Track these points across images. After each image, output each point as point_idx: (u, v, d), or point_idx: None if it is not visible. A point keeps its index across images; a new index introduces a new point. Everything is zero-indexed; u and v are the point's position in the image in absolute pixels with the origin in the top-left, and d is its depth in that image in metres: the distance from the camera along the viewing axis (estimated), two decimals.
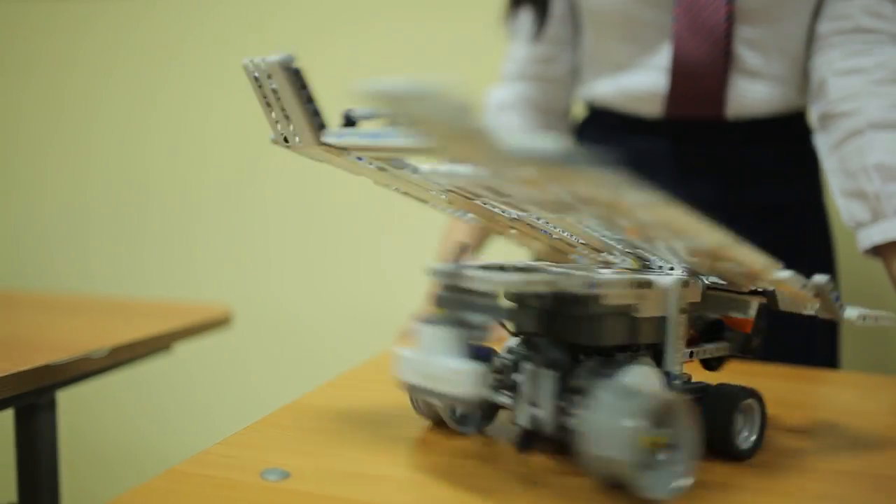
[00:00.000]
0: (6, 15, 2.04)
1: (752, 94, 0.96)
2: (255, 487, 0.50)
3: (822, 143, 0.95)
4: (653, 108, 0.99)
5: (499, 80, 1.13)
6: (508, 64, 1.11)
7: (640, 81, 0.99)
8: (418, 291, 1.70)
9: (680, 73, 0.95)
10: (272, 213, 1.89)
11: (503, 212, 0.58)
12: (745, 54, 0.94)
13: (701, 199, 0.99)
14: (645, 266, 0.61)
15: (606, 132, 1.06)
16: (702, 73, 0.94)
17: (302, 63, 0.53)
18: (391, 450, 0.58)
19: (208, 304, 1.11)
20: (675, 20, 0.94)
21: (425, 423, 0.62)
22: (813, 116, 0.97)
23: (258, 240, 1.90)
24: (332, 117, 0.56)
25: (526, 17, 1.05)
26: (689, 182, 1.00)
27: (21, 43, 2.04)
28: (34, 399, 0.84)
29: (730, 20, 0.92)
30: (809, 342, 1.01)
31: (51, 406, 0.87)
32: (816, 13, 0.95)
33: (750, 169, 1.00)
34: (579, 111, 1.14)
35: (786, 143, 1.01)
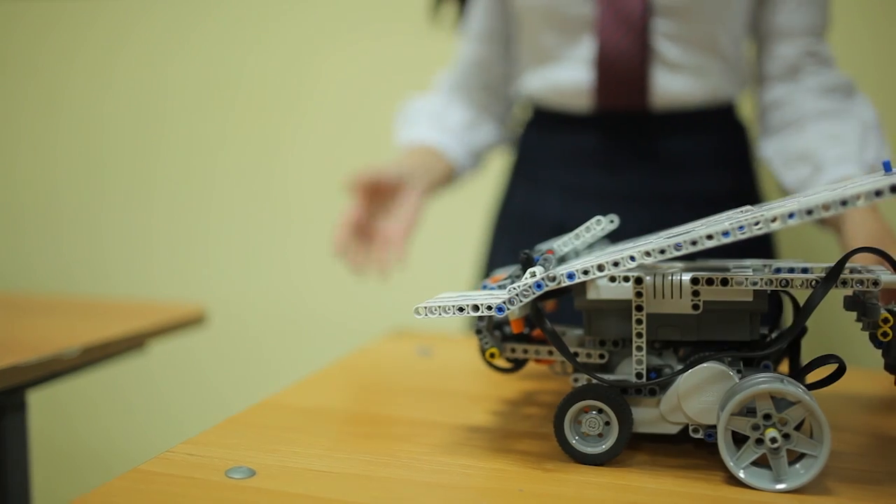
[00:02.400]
0: (7, 14, 2.02)
1: (674, 85, 0.98)
2: (220, 486, 0.50)
3: (762, 133, 1.00)
4: (581, 102, 1.01)
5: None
6: (456, 49, 1.16)
7: (567, 75, 1.01)
8: (389, 295, 1.71)
9: (604, 64, 0.98)
10: (249, 214, 1.88)
11: None
12: (665, 47, 0.97)
13: (631, 191, 1.03)
14: None
15: (542, 129, 1.09)
16: (624, 64, 0.97)
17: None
18: (356, 448, 0.58)
19: (183, 303, 1.10)
20: (598, 12, 0.96)
21: (390, 421, 0.62)
22: (755, 112, 1.02)
23: (233, 240, 1.89)
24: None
25: (450, 10, 1.11)
26: (619, 174, 1.03)
27: (23, 42, 2.03)
28: (4, 399, 0.84)
29: (646, 13, 0.95)
30: None
31: (21, 406, 0.87)
32: (746, 19, 0.99)
33: (678, 159, 1.02)
34: (519, 112, 1.17)
35: (715, 133, 1.03)
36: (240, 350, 1.89)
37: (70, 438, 2.02)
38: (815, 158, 0.90)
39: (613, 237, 0.99)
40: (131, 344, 0.95)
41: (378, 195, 0.98)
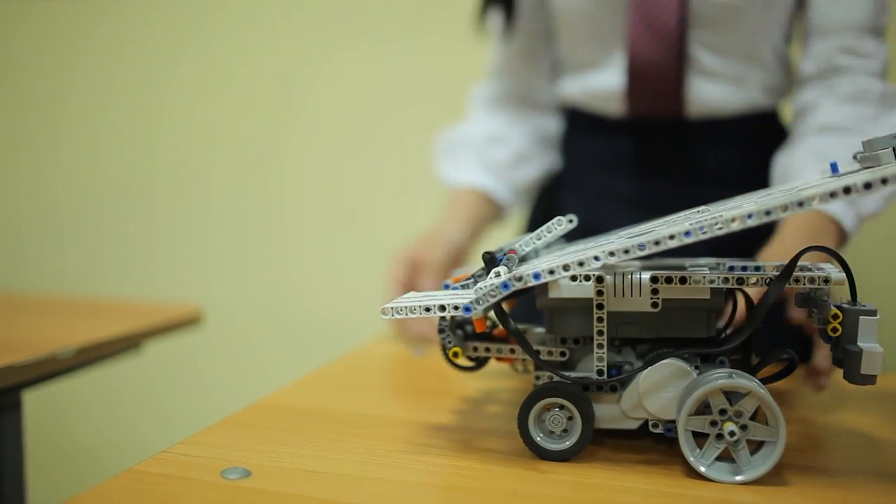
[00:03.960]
0: (11, 15, 2.02)
1: (711, 94, 0.97)
2: (215, 486, 0.50)
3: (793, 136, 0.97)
4: (615, 107, 1.01)
5: (484, 77, 1.15)
6: (492, 59, 1.13)
7: (601, 80, 1.00)
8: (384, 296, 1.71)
9: (635, 71, 0.97)
10: (246, 215, 1.88)
11: None
12: (703, 56, 0.96)
13: (662, 197, 1.02)
14: None
15: (577, 134, 1.08)
16: (656, 71, 0.96)
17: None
18: (351, 449, 0.58)
19: (179, 304, 1.10)
20: (629, 21, 0.95)
21: (385, 422, 0.63)
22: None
23: (230, 241, 1.89)
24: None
25: (496, 16, 1.07)
26: (650, 180, 1.02)
27: (23, 45, 2.03)
28: (1, 399, 0.84)
29: (683, 23, 0.93)
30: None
31: (16, 406, 0.87)
32: (785, 28, 0.97)
33: (712, 168, 1.01)
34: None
35: (752, 142, 1.02)
36: (235, 350, 1.89)
37: (66, 438, 2.02)
38: (794, 171, 0.88)
39: None
40: (127, 344, 0.95)
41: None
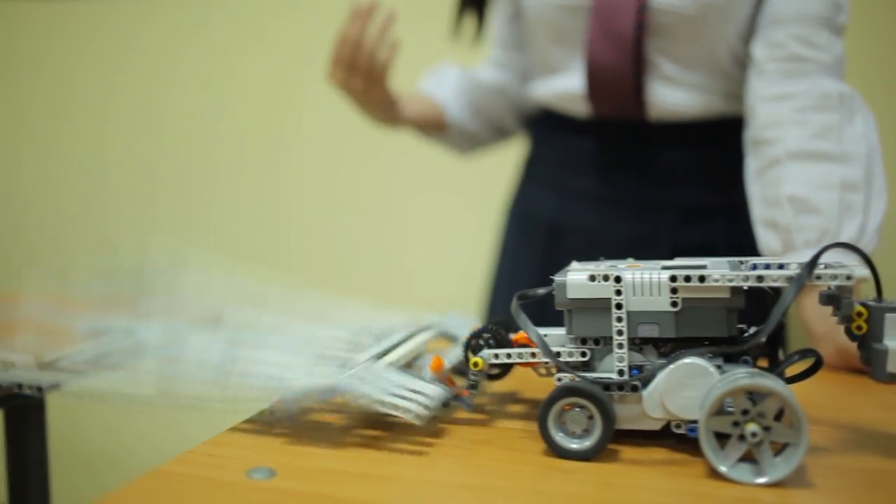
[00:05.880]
0: (11, 17, 2.03)
1: (670, 99, 0.99)
2: (241, 486, 0.51)
3: (749, 167, 0.96)
4: (580, 108, 1.04)
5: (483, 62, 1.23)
6: (490, 50, 1.20)
7: (565, 83, 1.04)
8: (410, 295, 1.71)
9: (593, 75, 0.99)
10: (252, 216, 1.89)
11: None
12: (661, 62, 0.98)
13: (623, 197, 1.04)
14: None
15: (547, 131, 1.12)
16: (613, 76, 0.98)
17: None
18: (376, 448, 0.58)
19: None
20: (589, 26, 0.98)
21: (411, 421, 0.63)
22: (744, 139, 0.98)
23: (253, 238, 1.90)
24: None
25: (470, 21, 1.15)
26: (614, 179, 1.04)
27: (27, 45, 2.04)
28: (22, 400, 0.84)
29: (640, 30, 0.95)
30: None
31: (40, 406, 0.87)
32: (745, 35, 0.97)
33: (672, 170, 1.03)
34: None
35: (712, 146, 1.03)
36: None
37: (89, 439, 2.03)
38: (788, 234, 0.88)
39: (603, 242, 1.01)
40: None
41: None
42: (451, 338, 0.77)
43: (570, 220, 1.07)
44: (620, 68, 0.97)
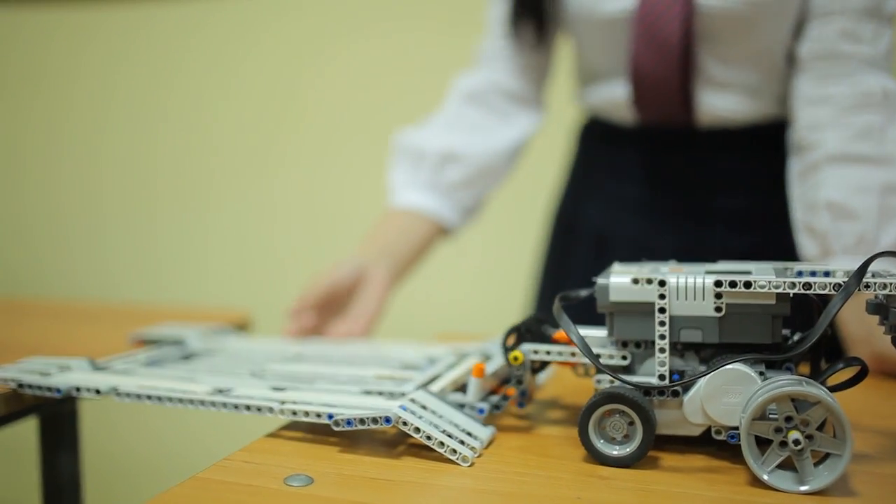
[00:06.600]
0: (12, 24, 2.06)
1: (721, 103, 0.96)
2: (278, 494, 0.51)
3: (791, 170, 0.95)
4: (626, 116, 1.01)
5: (472, 63, 1.14)
6: (485, 44, 1.12)
7: (611, 91, 1.01)
8: (438, 296, 1.71)
9: (638, 84, 0.96)
10: (290, 217, 1.89)
11: None
12: (712, 67, 0.95)
13: (674, 207, 1.02)
14: None
15: (593, 139, 1.09)
16: (658, 84, 0.95)
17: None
18: (413, 455, 0.58)
19: (227, 308, 1.11)
20: (633, 34, 0.95)
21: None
22: (787, 140, 0.97)
23: (276, 244, 1.91)
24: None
25: (528, 26, 1.06)
26: (661, 188, 1.02)
27: (28, 52, 2.06)
28: (55, 407, 0.85)
29: (687, 37, 0.92)
30: None
31: (73, 414, 0.88)
32: (798, 29, 0.94)
33: (721, 177, 1.00)
34: (577, 116, 1.16)
35: (763, 151, 1.00)
36: None
37: (123, 447, 2.04)
38: (825, 240, 0.87)
39: (650, 251, 0.99)
40: None
41: (332, 300, 0.96)
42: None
43: (616, 230, 1.05)
44: (667, 76, 0.94)
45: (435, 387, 0.65)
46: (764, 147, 1.00)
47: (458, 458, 0.56)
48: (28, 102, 2.09)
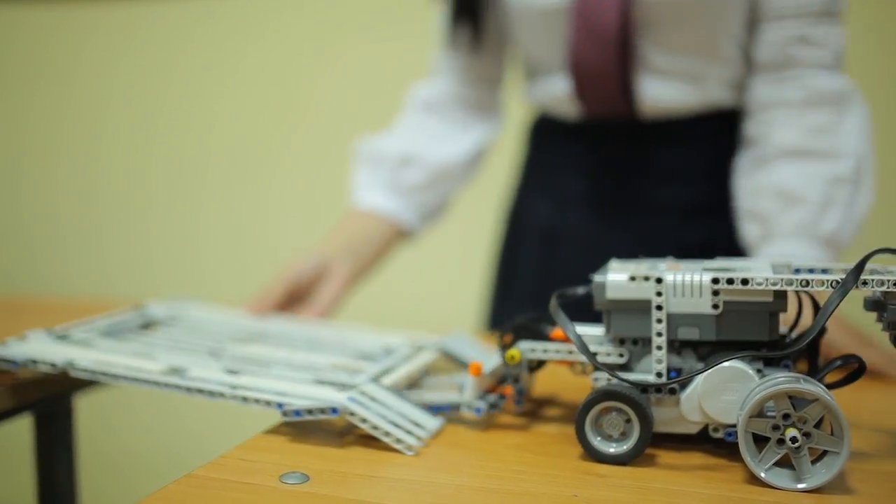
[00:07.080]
0: (9, 22, 2.05)
1: (664, 93, 0.95)
2: (274, 491, 0.51)
3: (740, 163, 0.96)
4: (570, 110, 1.00)
5: (430, 74, 1.14)
6: (438, 57, 1.12)
7: (552, 85, 1.00)
8: (436, 295, 1.71)
9: (577, 75, 0.95)
10: (286, 217, 1.89)
11: None
12: (654, 55, 0.94)
13: (622, 200, 1.01)
14: None
15: (540, 135, 1.09)
16: (598, 75, 0.94)
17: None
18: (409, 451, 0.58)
19: (225, 308, 1.10)
20: (571, 27, 0.94)
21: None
22: (741, 133, 0.97)
23: (272, 243, 1.90)
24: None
25: (463, 30, 1.05)
26: (609, 182, 1.02)
27: (25, 50, 2.06)
28: (51, 405, 0.85)
29: (625, 27, 0.91)
30: None
31: (68, 412, 0.87)
32: (749, 25, 0.93)
33: (669, 169, 1.00)
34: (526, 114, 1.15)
35: (709, 142, 1.00)
36: None
37: (118, 443, 2.04)
38: (768, 223, 0.88)
39: (599, 246, 0.98)
40: None
41: (295, 290, 0.96)
42: (453, 358, 0.76)
43: (566, 225, 1.04)
44: (606, 68, 0.93)
45: (387, 380, 0.65)
46: (710, 138, 0.99)
47: (403, 448, 0.57)
48: (24, 101, 2.08)
